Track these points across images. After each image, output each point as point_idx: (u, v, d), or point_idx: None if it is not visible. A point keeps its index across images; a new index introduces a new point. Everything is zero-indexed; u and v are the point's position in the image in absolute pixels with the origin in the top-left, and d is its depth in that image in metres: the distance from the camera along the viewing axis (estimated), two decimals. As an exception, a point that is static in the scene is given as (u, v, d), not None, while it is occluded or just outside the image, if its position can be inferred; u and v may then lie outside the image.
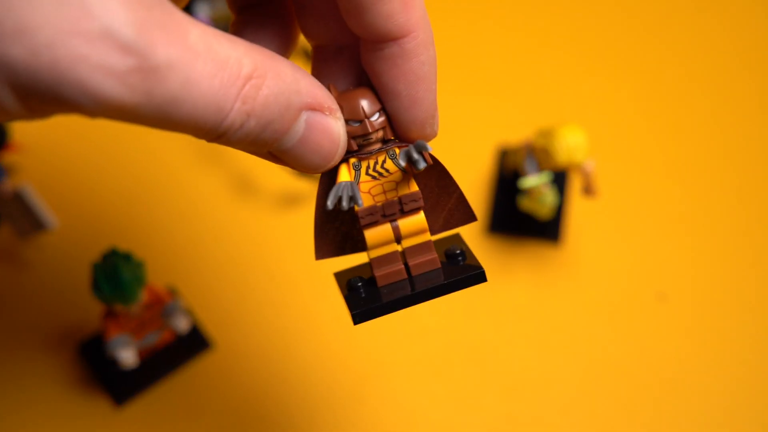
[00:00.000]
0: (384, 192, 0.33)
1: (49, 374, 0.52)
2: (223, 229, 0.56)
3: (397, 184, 0.33)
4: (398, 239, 0.33)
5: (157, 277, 0.54)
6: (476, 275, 0.33)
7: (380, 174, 0.33)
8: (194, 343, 0.52)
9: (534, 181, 0.50)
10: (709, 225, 0.56)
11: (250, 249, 0.55)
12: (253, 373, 0.52)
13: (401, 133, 0.34)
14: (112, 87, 0.27)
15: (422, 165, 0.31)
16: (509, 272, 0.54)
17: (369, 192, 0.33)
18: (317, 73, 0.35)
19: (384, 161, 0.33)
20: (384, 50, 0.33)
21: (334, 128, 0.32)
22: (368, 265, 0.34)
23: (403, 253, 0.33)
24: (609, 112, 0.60)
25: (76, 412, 0.51)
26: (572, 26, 0.63)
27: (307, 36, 0.36)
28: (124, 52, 0.27)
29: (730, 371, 0.52)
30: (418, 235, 0.34)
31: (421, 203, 0.33)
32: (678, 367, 0.52)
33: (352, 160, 0.33)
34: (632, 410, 0.51)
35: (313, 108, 0.32)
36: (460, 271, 0.34)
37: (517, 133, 0.59)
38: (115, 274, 0.45)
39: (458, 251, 0.34)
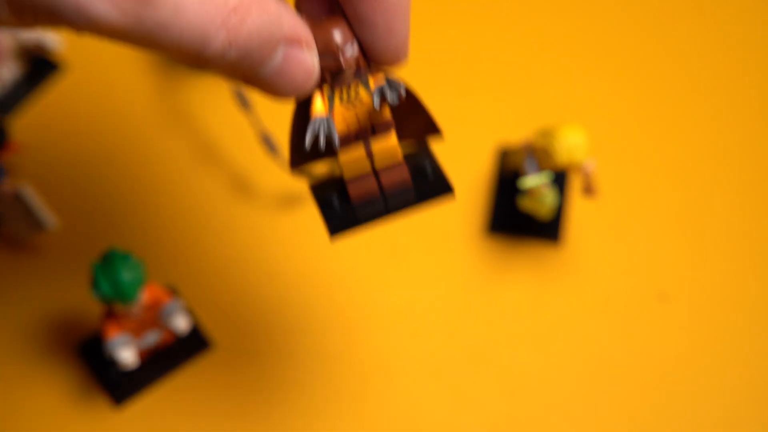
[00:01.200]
0: (357, 120, 0.34)
1: (48, 374, 0.52)
2: (223, 229, 0.56)
3: (370, 113, 0.34)
4: (371, 158, 0.35)
5: (157, 277, 0.54)
6: (444, 193, 0.36)
7: (353, 103, 0.34)
8: (194, 343, 0.52)
9: (534, 181, 0.50)
10: (710, 224, 0.56)
11: (250, 249, 0.55)
12: (253, 373, 0.52)
13: (374, 59, 0.35)
14: (106, 10, 0.28)
15: (396, 102, 0.33)
16: (509, 272, 0.54)
17: (344, 119, 0.34)
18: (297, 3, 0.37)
19: (357, 90, 0.34)
20: None
21: (309, 61, 0.33)
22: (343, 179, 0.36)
23: (376, 171, 0.35)
24: (609, 112, 0.60)
25: (75, 412, 0.51)
26: (572, 26, 0.63)
27: None
28: None
29: (731, 371, 0.52)
30: (390, 155, 0.35)
31: (392, 126, 0.35)
32: (678, 367, 0.52)
33: (326, 89, 0.34)
34: (633, 410, 0.51)
35: (291, 41, 0.33)
36: (429, 189, 0.36)
37: (517, 133, 0.59)
38: (115, 274, 0.45)
39: (427, 164, 0.36)
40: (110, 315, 0.48)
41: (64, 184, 0.57)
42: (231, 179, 0.58)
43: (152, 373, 0.51)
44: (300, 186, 0.57)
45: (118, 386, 0.51)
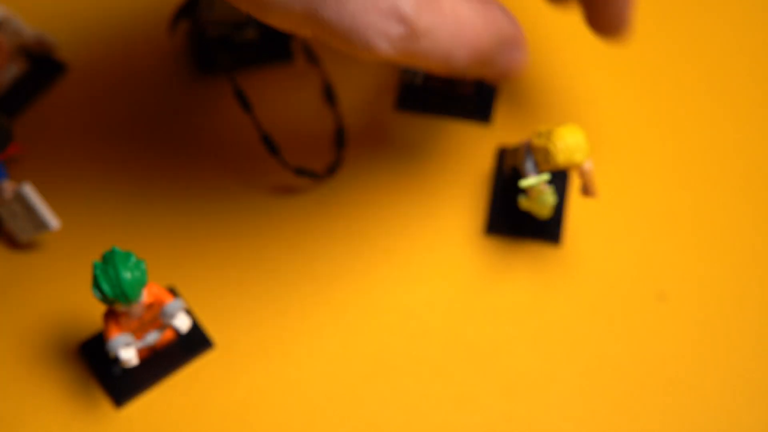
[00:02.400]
0: None
1: (48, 374, 0.52)
2: (223, 228, 0.56)
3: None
4: None
5: (158, 277, 0.54)
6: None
7: None
8: (195, 343, 0.52)
9: (534, 181, 0.50)
10: (711, 224, 0.56)
11: (251, 249, 0.55)
12: (253, 373, 0.52)
13: (596, 25, 0.50)
14: (384, 46, 0.38)
15: None
16: (509, 272, 0.54)
17: None
18: None
19: None
20: None
21: (525, 59, 0.46)
22: None
23: None
24: (609, 112, 0.60)
25: (75, 412, 0.51)
26: (572, 25, 0.63)
27: None
28: (401, 22, 0.38)
29: (731, 372, 0.52)
30: None
31: None
32: (679, 368, 0.52)
33: None
34: (633, 410, 0.51)
35: (508, 43, 0.44)
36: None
37: (516, 134, 0.59)
38: (116, 274, 0.45)
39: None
40: (111, 315, 0.48)
41: (65, 184, 0.57)
42: (231, 179, 0.58)
43: (153, 373, 0.51)
44: (299, 186, 0.57)
45: (119, 386, 0.51)
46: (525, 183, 0.49)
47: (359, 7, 0.37)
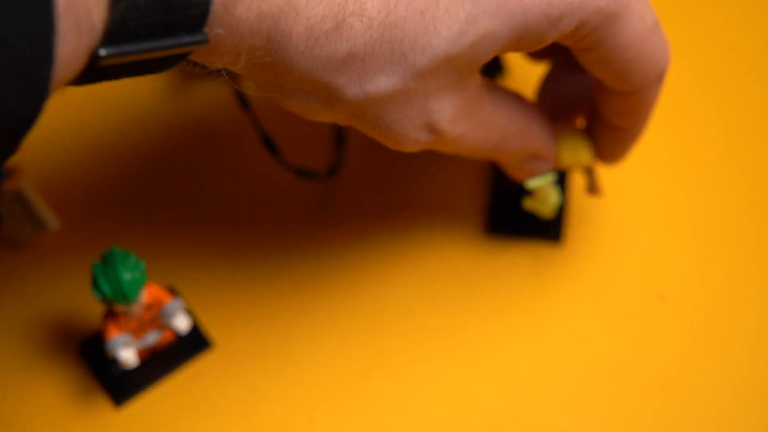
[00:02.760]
0: None
1: (47, 374, 0.52)
2: (223, 228, 0.56)
3: None
4: None
5: (157, 277, 0.54)
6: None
7: None
8: (194, 343, 0.52)
9: (539, 181, 0.50)
10: (712, 225, 0.56)
11: (251, 249, 0.55)
12: (253, 372, 0.52)
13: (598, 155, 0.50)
14: (413, 148, 0.40)
15: None
16: (509, 272, 0.54)
17: None
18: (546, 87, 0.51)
19: None
20: (618, 95, 0.43)
21: (544, 169, 0.48)
22: None
23: None
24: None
25: (75, 412, 0.51)
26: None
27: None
28: (434, 133, 0.39)
29: (731, 371, 0.52)
30: None
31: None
32: (679, 368, 0.52)
33: None
34: (633, 410, 0.51)
35: (540, 157, 0.47)
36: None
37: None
38: (115, 274, 0.45)
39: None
40: (110, 315, 0.48)
41: (64, 183, 0.57)
42: (230, 179, 0.58)
43: (152, 373, 0.51)
44: (299, 187, 0.57)
45: (119, 386, 0.51)
46: (532, 184, 0.49)
47: (397, 119, 0.38)
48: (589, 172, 0.50)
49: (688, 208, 0.57)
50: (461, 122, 0.39)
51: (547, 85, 0.50)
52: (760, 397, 0.51)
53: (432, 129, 0.39)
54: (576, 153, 0.49)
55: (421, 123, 0.38)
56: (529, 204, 0.51)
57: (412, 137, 0.39)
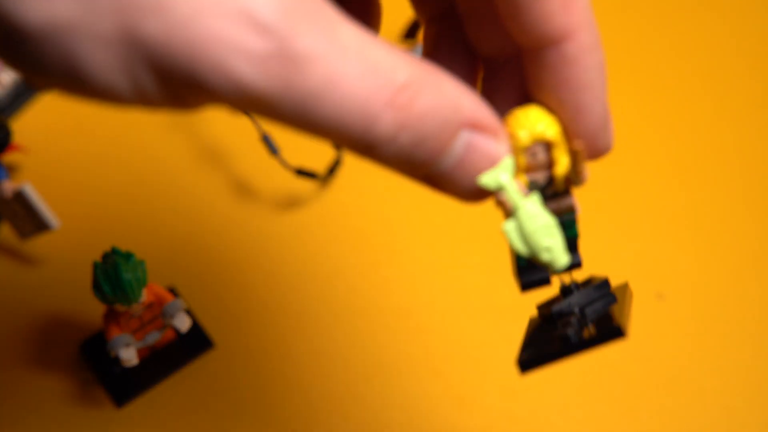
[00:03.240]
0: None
1: (49, 374, 0.52)
2: (224, 229, 0.56)
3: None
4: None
5: (158, 277, 0.54)
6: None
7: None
8: (195, 343, 0.52)
9: (495, 174, 0.29)
10: (710, 224, 0.56)
11: (251, 249, 0.55)
12: (253, 372, 0.52)
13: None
14: (249, 71, 0.25)
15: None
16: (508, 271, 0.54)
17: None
18: (483, 91, 0.34)
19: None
20: (545, 58, 0.31)
21: (496, 152, 0.30)
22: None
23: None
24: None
25: (76, 413, 0.51)
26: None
27: (475, 46, 0.34)
28: (263, 34, 0.25)
29: (730, 371, 0.52)
30: None
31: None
32: (678, 367, 0.52)
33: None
34: (632, 409, 0.51)
35: (474, 127, 0.29)
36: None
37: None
38: (116, 273, 0.45)
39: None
40: (111, 315, 0.48)
41: (65, 184, 0.57)
42: (231, 180, 0.58)
43: (153, 373, 0.51)
44: (299, 187, 0.57)
45: (120, 386, 0.51)
46: (484, 178, 0.30)
47: (188, 10, 0.25)
48: (573, 154, 0.36)
49: (688, 208, 0.57)
50: (301, 23, 0.26)
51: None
52: (759, 394, 0.51)
53: (254, 23, 0.25)
54: (531, 124, 0.33)
55: (233, 9, 0.25)
56: (513, 238, 0.32)
57: (230, 40, 0.25)
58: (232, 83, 0.25)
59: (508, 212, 0.31)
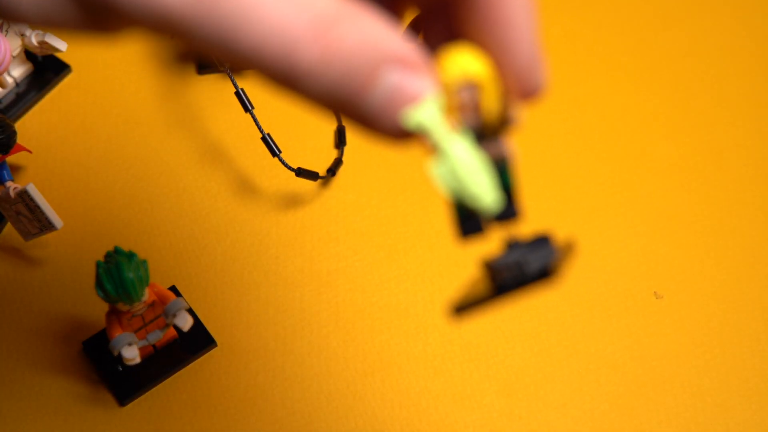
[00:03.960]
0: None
1: (51, 373, 0.52)
2: (225, 228, 0.56)
3: None
4: None
5: (160, 276, 0.54)
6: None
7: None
8: (196, 342, 0.52)
9: (420, 112, 0.30)
10: (708, 224, 0.56)
11: (252, 248, 0.56)
12: (254, 372, 0.52)
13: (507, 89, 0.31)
14: None
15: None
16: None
17: None
18: (423, 35, 0.33)
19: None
20: (470, 1, 0.30)
21: (421, 90, 0.28)
22: None
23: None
24: (607, 113, 0.60)
25: (79, 411, 0.51)
26: (569, 26, 0.63)
27: None
28: None
29: (729, 371, 0.52)
30: None
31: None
32: (677, 366, 0.52)
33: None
34: (632, 409, 0.51)
35: (400, 64, 0.27)
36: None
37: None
38: (118, 273, 0.45)
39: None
40: (114, 314, 0.48)
41: (69, 184, 0.58)
42: (233, 180, 0.58)
43: (155, 371, 0.51)
44: (300, 187, 0.58)
45: (122, 384, 0.51)
46: (410, 118, 0.28)
47: None
48: (502, 95, 0.32)
49: (686, 208, 0.57)
50: None
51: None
52: (758, 394, 0.51)
53: None
54: (460, 61, 0.30)
55: None
56: (439, 179, 0.31)
57: None
58: (148, 5, 0.24)
59: (435, 152, 0.29)
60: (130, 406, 0.51)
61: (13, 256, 0.55)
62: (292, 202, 0.57)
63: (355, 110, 0.28)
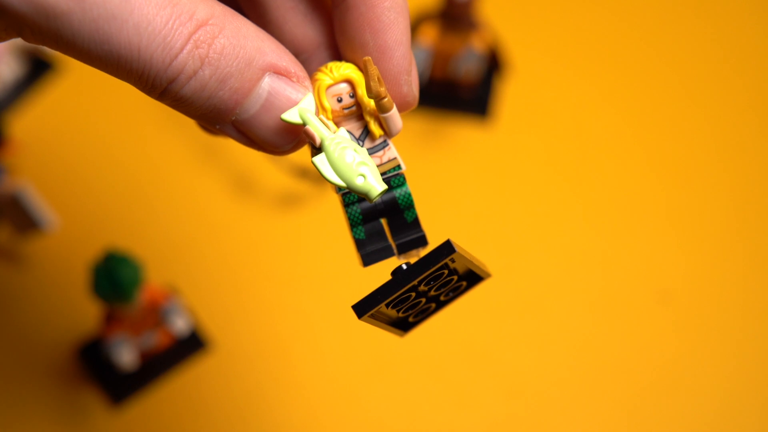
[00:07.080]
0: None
1: (47, 374, 0.52)
2: (223, 228, 0.56)
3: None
4: None
5: (157, 277, 0.54)
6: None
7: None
8: (193, 343, 0.52)
9: (294, 112, 0.32)
10: (709, 225, 0.56)
11: (250, 249, 0.55)
12: (252, 373, 0.52)
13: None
14: None
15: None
16: (509, 271, 0.54)
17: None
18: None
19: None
20: (347, 1, 0.30)
21: (297, 97, 0.29)
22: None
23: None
24: (607, 113, 0.60)
25: (73, 412, 0.51)
26: (568, 27, 0.63)
27: None
28: None
29: (729, 371, 0.52)
30: None
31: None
32: (677, 367, 0.52)
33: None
34: (631, 409, 0.51)
35: (278, 71, 0.28)
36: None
37: (516, 131, 0.59)
38: (114, 274, 0.45)
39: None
40: (109, 315, 0.48)
41: (63, 183, 0.57)
42: (231, 180, 0.58)
43: (151, 373, 0.51)
44: (300, 186, 0.57)
45: (117, 385, 0.51)
46: (285, 115, 0.30)
47: None
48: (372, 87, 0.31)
49: (687, 209, 0.57)
50: None
51: None
52: (759, 394, 0.51)
53: None
54: (335, 67, 0.31)
55: None
56: (324, 170, 0.32)
57: None
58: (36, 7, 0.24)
59: (316, 146, 0.31)
60: (125, 406, 0.51)
61: (8, 257, 0.55)
62: (291, 202, 0.57)
63: (237, 118, 0.28)
